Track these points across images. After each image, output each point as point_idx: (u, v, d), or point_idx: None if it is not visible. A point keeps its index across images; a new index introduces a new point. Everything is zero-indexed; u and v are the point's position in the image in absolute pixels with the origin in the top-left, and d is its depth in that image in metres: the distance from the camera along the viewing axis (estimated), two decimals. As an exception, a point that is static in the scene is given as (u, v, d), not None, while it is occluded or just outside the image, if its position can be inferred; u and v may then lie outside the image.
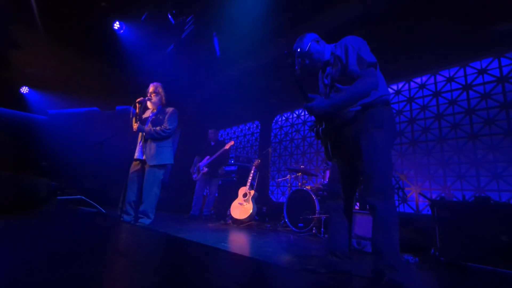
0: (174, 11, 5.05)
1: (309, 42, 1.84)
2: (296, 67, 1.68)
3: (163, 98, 3.25)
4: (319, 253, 2.43)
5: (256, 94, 6.03)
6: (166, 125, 3.08)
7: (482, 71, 3.62)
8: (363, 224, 2.83)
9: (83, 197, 3.18)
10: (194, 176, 5.07)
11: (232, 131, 8.00)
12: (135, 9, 5.20)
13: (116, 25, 5.42)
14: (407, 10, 3.47)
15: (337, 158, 1.80)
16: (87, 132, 6.48)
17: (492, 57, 3.56)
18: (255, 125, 7.29)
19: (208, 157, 5.00)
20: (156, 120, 3.13)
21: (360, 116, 1.63)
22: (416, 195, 3.84)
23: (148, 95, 3.16)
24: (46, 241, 1.21)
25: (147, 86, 3.28)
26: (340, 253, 1.71)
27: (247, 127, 7.54)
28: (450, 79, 3.90)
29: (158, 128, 3.03)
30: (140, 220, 2.91)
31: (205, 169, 4.91)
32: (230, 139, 7.98)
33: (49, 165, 5.89)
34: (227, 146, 4.90)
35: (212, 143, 5.24)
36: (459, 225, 2.39)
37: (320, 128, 1.77)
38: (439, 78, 4.03)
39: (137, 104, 3.05)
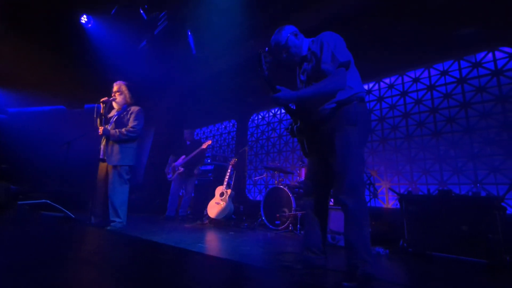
0: (146, 6, 4.88)
1: (287, 35, 1.81)
2: (264, 67, 1.62)
3: (128, 97, 3.14)
4: (296, 250, 2.47)
5: (233, 92, 6.00)
6: (130, 126, 2.98)
7: (444, 73, 3.86)
8: (337, 220, 2.92)
9: (48, 201, 2.98)
10: (169, 176, 4.95)
11: (208, 130, 7.90)
12: (104, 3, 4.95)
13: (84, 19, 5.13)
14: (376, 14, 3.61)
15: (313, 155, 1.82)
16: (53, 132, 6.08)
17: (453, 60, 3.81)
18: (231, 124, 7.25)
19: (184, 156, 4.90)
20: (119, 120, 3.03)
21: (335, 113, 1.64)
22: (386, 190, 4.03)
23: (112, 95, 3.06)
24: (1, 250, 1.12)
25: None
26: (316, 249, 1.74)
27: (223, 126, 7.48)
28: (416, 80, 4.13)
29: (123, 130, 2.93)
30: (112, 224, 2.80)
31: (181, 169, 4.81)
32: (207, 138, 7.87)
33: (10, 168, 5.46)
34: (204, 146, 4.82)
35: (188, 142, 5.14)
36: (425, 217, 2.54)
37: (295, 126, 1.78)
38: (406, 78, 4.25)
39: (102, 104, 2.95)
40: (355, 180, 1.54)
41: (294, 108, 1.87)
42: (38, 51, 5.37)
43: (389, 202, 3.98)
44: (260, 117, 6.50)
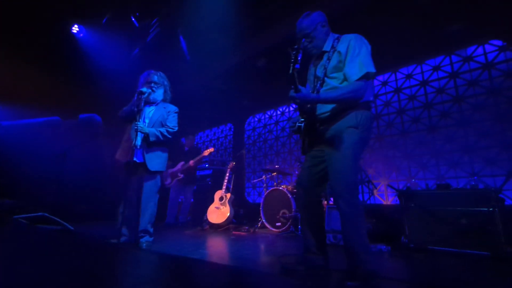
0: (137, 14, 4.88)
1: (316, 25, 1.74)
2: (297, 64, 1.52)
3: (168, 92, 2.79)
4: (297, 251, 2.46)
5: (228, 96, 6.00)
6: (169, 125, 2.65)
7: (436, 68, 3.90)
8: (338, 219, 2.91)
9: (45, 214, 2.93)
10: (166, 182, 4.92)
11: (205, 135, 7.89)
12: (95, 12, 4.94)
13: (75, 29, 5.12)
14: (367, 12, 3.64)
15: (311, 154, 1.81)
16: (48, 144, 6.03)
17: (444, 55, 3.85)
18: (228, 128, 7.24)
19: (183, 162, 4.87)
20: (157, 117, 2.66)
21: (340, 115, 1.64)
22: (385, 186, 4.04)
23: (148, 85, 2.64)
24: None
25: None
26: (316, 249, 1.73)
27: (220, 130, 7.47)
28: (409, 76, 4.16)
29: (163, 129, 2.59)
30: (143, 240, 2.45)
31: (181, 175, 4.79)
32: (204, 143, 7.86)
33: (5, 182, 5.40)
34: (206, 153, 4.75)
35: (186, 148, 5.12)
36: (424, 212, 2.55)
37: (303, 124, 1.77)
38: (399, 75, 4.28)
39: (140, 96, 2.51)
40: (351, 183, 1.54)
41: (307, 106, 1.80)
42: (30, 63, 5.33)
43: (389, 199, 3.99)
44: (256, 119, 6.51)
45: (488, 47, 3.50)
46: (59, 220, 2.97)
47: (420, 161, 3.81)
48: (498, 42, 3.42)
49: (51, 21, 4.80)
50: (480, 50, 3.56)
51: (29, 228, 2.55)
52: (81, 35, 5.17)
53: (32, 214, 2.92)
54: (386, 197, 4.02)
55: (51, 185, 4.87)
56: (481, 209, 2.26)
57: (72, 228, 3.00)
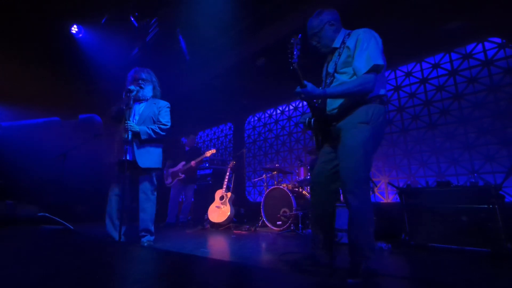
0: (136, 13, 4.87)
1: (323, 24, 1.75)
2: (295, 57, 1.50)
3: (157, 88, 2.75)
4: (299, 249, 2.47)
5: (228, 95, 6.00)
6: (162, 121, 2.60)
7: (436, 66, 3.90)
8: (339, 216, 2.91)
9: (47, 214, 2.94)
10: (167, 182, 4.92)
11: (205, 134, 7.89)
12: (94, 12, 4.93)
13: (74, 29, 5.11)
14: (365, 11, 3.64)
15: (325, 150, 1.79)
16: (48, 144, 6.04)
17: (443, 52, 3.85)
18: (227, 127, 7.24)
19: (184, 162, 4.87)
20: (147, 114, 2.61)
21: (350, 111, 1.63)
22: (385, 184, 4.04)
23: (135, 83, 2.61)
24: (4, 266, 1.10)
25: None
26: (322, 246, 1.73)
27: (220, 129, 7.47)
28: (408, 74, 4.16)
29: (155, 126, 2.56)
30: (144, 239, 2.46)
31: (182, 175, 4.79)
32: (204, 142, 7.86)
33: (6, 183, 5.40)
34: (208, 154, 4.74)
35: (187, 148, 5.12)
36: (425, 209, 2.55)
37: (313, 119, 1.76)
38: (398, 73, 4.28)
39: (128, 94, 2.44)
40: (361, 179, 1.53)
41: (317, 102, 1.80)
42: (29, 63, 5.33)
43: (389, 197, 4.00)
44: (256, 118, 6.51)
45: (487, 45, 3.50)
46: (59, 220, 2.98)
47: (420, 158, 3.81)
48: (497, 40, 3.42)
49: (50, 21, 4.79)
50: (479, 47, 3.56)
51: (30, 228, 2.56)
52: (80, 35, 5.16)
53: (33, 214, 2.92)
54: (386, 195, 4.02)
55: (51, 185, 4.87)
56: (482, 206, 2.27)
57: (72, 227, 3.01)
